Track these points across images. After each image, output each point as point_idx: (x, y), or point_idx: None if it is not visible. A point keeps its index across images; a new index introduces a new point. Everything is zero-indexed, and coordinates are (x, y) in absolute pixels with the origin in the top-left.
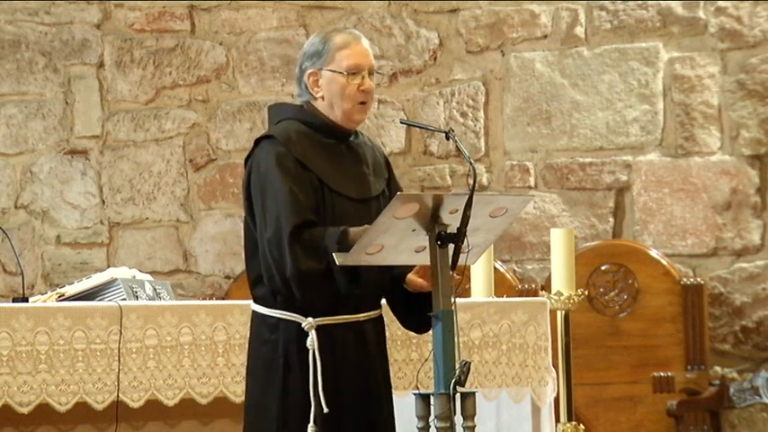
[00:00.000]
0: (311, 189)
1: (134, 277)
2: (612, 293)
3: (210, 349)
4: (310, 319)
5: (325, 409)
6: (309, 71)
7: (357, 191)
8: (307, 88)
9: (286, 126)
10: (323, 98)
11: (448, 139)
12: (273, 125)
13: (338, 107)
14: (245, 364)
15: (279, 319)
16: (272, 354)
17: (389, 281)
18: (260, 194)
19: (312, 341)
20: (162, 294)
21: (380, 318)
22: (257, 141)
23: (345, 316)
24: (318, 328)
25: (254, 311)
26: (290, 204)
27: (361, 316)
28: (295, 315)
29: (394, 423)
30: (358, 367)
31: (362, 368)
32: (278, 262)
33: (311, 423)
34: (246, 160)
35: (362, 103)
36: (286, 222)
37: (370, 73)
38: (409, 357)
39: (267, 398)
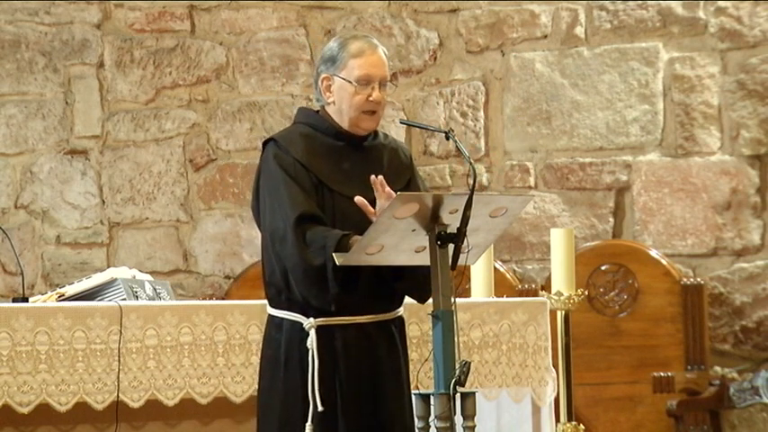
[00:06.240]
0: (311, 187)
1: (134, 277)
2: (612, 293)
3: (210, 349)
4: (311, 319)
5: (320, 408)
6: (323, 75)
7: (362, 192)
8: (321, 92)
9: (292, 129)
10: (333, 103)
11: (448, 139)
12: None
13: (345, 114)
14: (244, 363)
15: (283, 318)
16: (276, 353)
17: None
18: (266, 194)
19: (312, 341)
20: (162, 294)
21: (395, 320)
22: (263, 145)
23: (346, 317)
24: (319, 329)
25: (267, 313)
26: (290, 198)
27: (364, 318)
28: (297, 315)
29: (407, 425)
30: (361, 369)
31: (366, 370)
32: (279, 254)
33: (309, 422)
34: None
35: (372, 112)
36: (290, 213)
37: (382, 84)
38: (409, 357)
39: (272, 397)
